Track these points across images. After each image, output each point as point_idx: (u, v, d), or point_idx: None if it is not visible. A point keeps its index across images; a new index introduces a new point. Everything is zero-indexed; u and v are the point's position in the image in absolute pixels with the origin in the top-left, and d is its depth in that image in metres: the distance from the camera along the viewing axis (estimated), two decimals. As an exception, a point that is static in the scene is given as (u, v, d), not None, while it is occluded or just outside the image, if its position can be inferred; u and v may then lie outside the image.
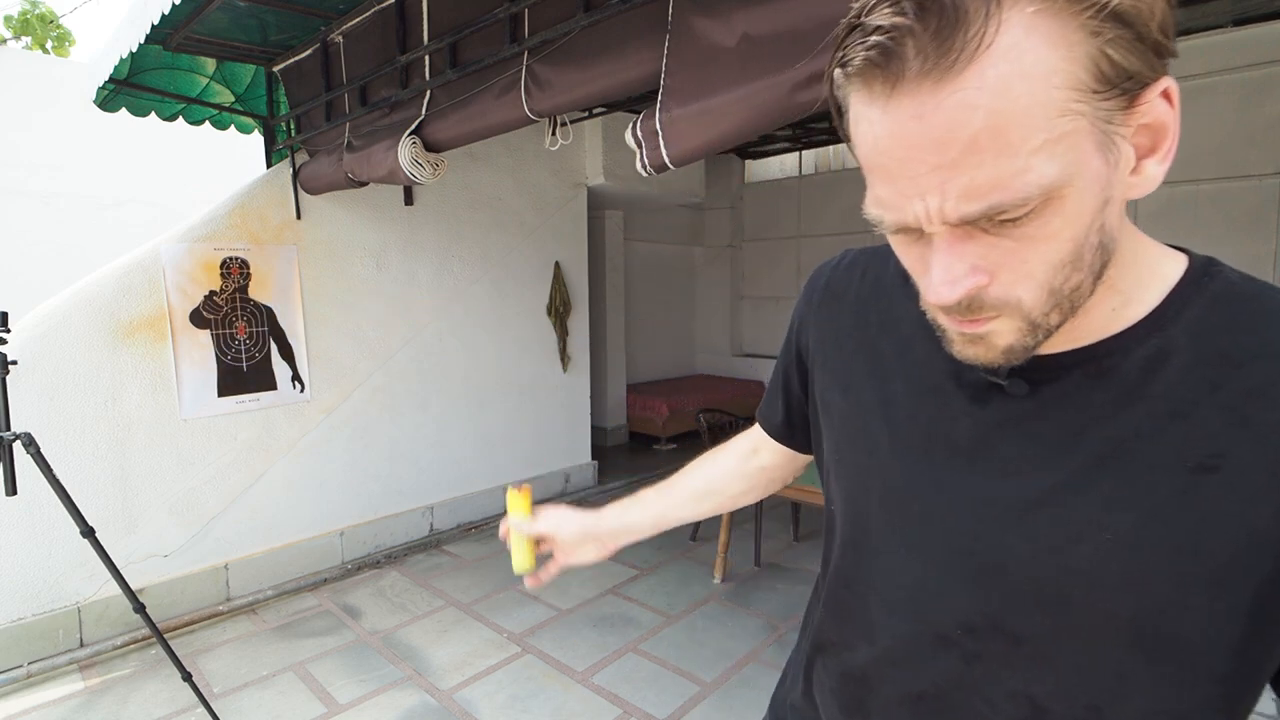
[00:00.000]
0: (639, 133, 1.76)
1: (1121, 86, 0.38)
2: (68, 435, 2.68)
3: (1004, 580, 0.51)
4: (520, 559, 0.92)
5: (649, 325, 6.96)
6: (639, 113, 1.78)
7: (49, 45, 8.91)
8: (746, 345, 7.44)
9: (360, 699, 2.42)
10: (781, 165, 7.19)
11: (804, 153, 6.84)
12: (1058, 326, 0.45)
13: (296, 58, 3.09)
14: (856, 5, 0.40)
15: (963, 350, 0.48)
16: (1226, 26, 3.56)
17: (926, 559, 0.55)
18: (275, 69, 3.28)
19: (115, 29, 2.46)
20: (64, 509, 1.98)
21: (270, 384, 3.26)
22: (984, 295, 0.43)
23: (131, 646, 2.78)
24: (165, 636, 2.16)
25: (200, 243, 3.04)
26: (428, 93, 2.44)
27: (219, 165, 6.36)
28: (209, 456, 3.09)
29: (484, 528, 4.15)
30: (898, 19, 0.37)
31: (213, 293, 3.07)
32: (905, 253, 0.47)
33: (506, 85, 2.13)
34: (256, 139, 3.79)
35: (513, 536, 0.92)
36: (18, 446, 1.99)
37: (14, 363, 2.19)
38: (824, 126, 5.88)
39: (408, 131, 2.38)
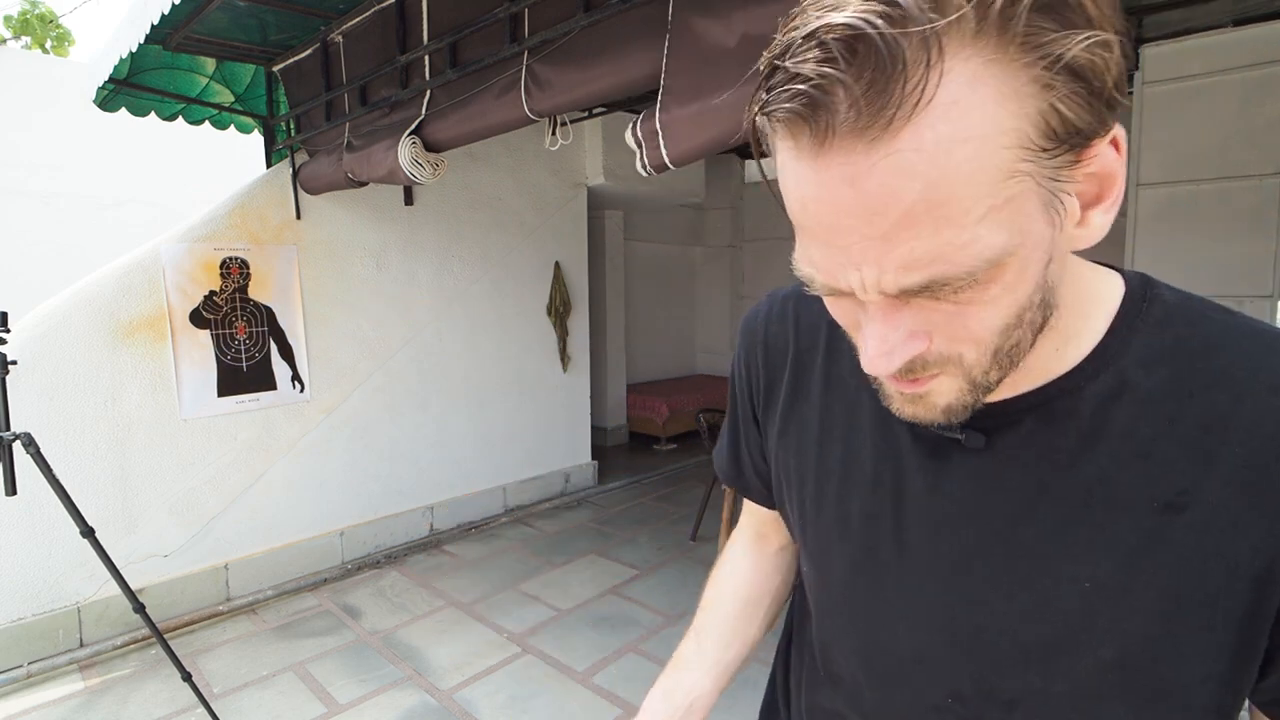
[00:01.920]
0: (639, 133, 1.75)
1: (1070, 142, 0.35)
2: (68, 435, 2.68)
3: (990, 644, 0.49)
4: None
5: (649, 325, 6.96)
6: (639, 113, 1.78)
7: (49, 45, 8.91)
8: (746, 345, 7.43)
9: (360, 699, 2.42)
10: (782, 165, 7.18)
11: (804, 153, 6.83)
12: (998, 383, 0.43)
13: (296, 57, 3.09)
14: (779, 39, 0.35)
15: (901, 408, 0.45)
16: (1226, 26, 3.56)
17: (908, 629, 0.54)
18: (275, 69, 3.28)
19: (115, 29, 2.46)
20: (64, 509, 1.98)
21: (270, 384, 3.26)
22: (925, 355, 0.40)
23: (131, 646, 2.78)
24: (165, 636, 2.16)
25: (200, 243, 3.04)
26: (428, 93, 2.44)
27: (219, 165, 6.36)
28: (209, 456, 3.09)
29: (484, 528, 4.15)
30: (826, 68, 0.32)
31: (213, 293, 3.07)
32: (838, 311, 0.44)
33: (506, 85, 2.13)
34: (256, 139, 3.79)
35: None
36: (18, 446, 1.99)
37: (14, 363, 2.19)
38: (824, 126, 5.88)
39: (408, 131, 2.38)
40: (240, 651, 2.77)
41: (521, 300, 4.43)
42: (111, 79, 2.97)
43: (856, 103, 0.32)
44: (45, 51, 8.79)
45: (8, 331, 2.00)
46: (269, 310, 3.25)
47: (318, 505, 3.49)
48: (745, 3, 1.52)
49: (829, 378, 0.59)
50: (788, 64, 0.34)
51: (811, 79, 0.33)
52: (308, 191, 3.31)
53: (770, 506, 0.72)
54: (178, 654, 2.14)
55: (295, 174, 3.29)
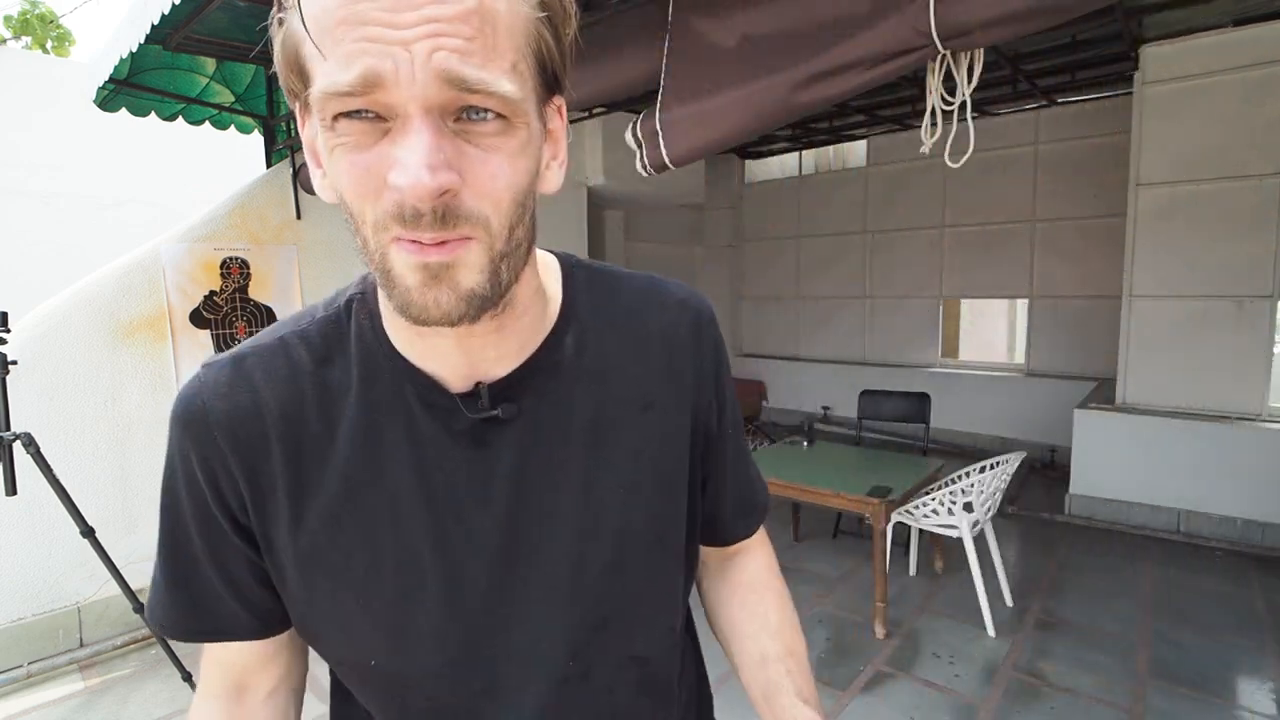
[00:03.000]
0: (639, 133, 1.76)
1: (546, 74, 0.44)
2: (68, 435, 2.68)
3: (594, 596, 0.54)
4: None
5: (649, 325, 6.97)
6: (639, 113, 1.78)
7: (49, 45, 8.91)
8: (746, 345, 7.44)
9: (360, 699, 2.41)
10: (781, 165, 7.19)
11: (804, 153, 6.84)
12: (506, 288, 0.45)
13: (296, 58, 3.09)
14: None
15: (422, 295, 0.41)
16: (1226, 26, 3.56)
17: (528, 631, 0.52)
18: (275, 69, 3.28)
19: (115, 29, 2.46)
20: (64, 509, 1.98)
21: (270, 384, 3.26)
22: (458, 203, 0.39)
23: (131, 646, 2.78)
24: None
25: (200, 243, 3.04)
26: (428, 93, 2.44)
27: (219, 165, 6.37)
28: (209, 456, 3.08)
29: (484, 528, 4.14)
30: None
31: (213, 293, 3.07)
32: (357, 160, 0.39)
33: (506, 85, 2.13)
34: (256, 139, 3.79)
35: None
36: (18, 446, 1.99)
37: (14, 363, 2.20)
38: (824, 126, 5.88)
39: (408, 131, 2.38)
40: (240, 651, 2.76)
41: (521, 300, 4.42)
42: (111, 79, 2.97)
43: None
44: (45, 51, 8.79)
45: (8, 331, 2.00)
46: (269, 310, 3.25)
47: (318, 505, 3.49)
48: (745, 3, 1.52)
49: (332, 419, 0.51)
50: None
51: None
52: (308, 191, 3.31)
53: (264, 635, 0.56)
54: (178, 654, 2.14)
55: (295, 174, 3.29)
